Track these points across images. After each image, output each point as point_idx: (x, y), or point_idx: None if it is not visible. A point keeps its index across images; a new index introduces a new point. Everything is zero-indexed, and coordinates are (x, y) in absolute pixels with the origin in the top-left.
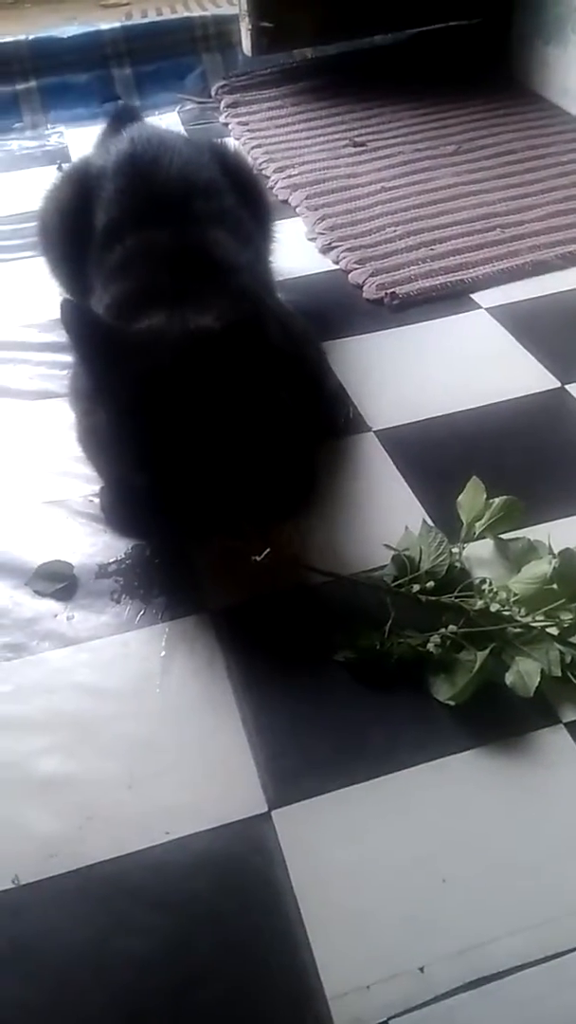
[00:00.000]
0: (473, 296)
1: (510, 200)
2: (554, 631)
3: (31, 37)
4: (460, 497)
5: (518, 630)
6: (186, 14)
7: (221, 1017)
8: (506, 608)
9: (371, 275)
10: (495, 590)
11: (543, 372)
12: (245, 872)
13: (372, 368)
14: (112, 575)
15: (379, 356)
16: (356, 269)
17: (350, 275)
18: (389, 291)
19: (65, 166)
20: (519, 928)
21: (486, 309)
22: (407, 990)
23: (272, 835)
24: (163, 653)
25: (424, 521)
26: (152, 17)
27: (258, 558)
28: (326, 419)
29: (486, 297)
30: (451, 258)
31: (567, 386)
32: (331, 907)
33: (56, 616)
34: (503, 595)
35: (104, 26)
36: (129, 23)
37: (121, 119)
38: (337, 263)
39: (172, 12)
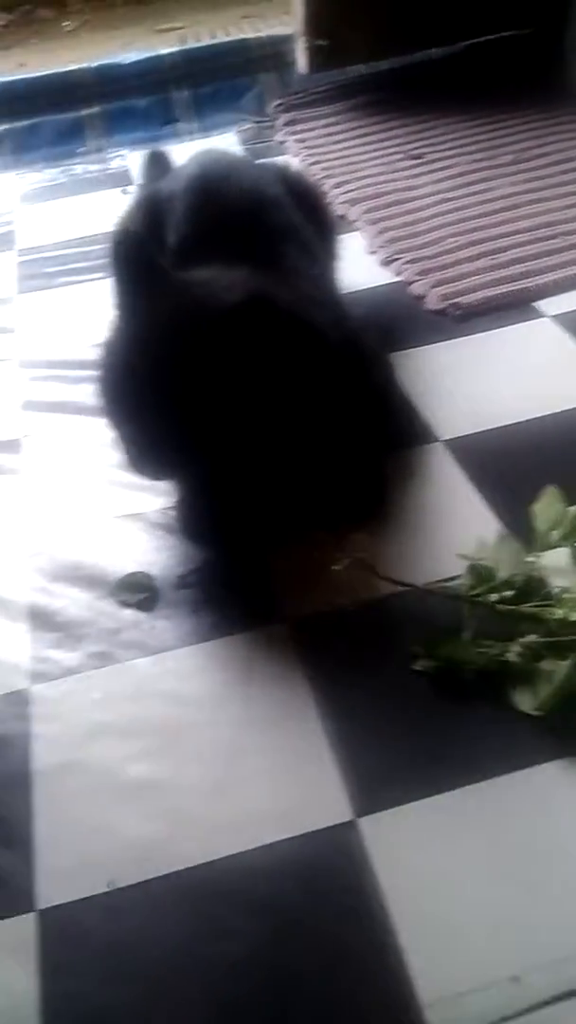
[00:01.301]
0: (537, 304)
1: (570, 208)
2: None
3: (95, 64)
4: (535, 505)
5: None
6: (242, 36)
7: (315, 1022)
8: None
9: (433, 286)
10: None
11: None
12: (334, 879)
13: (438, 378)
14: (191, 586)
15: (444, 366)
16: (418, 280)
17: (412, 286)
18: (452, 301)
19: (130, 189)
20: None
21: (550, 317)
22: (502, 999)
23: (359, 843)
24: (244, 662)
25: (499, 530)
26: (206, 40)
27: (338, 568)
28: (395, 429)
29: (550, 305)
30: (513, 267)
31: None
32: (421, 914)
33: (139, 626)
34: None
35: (164, 51)
36: (188, 47)
37: (156, 163)
38: (398, 275)
39: (226, 34)
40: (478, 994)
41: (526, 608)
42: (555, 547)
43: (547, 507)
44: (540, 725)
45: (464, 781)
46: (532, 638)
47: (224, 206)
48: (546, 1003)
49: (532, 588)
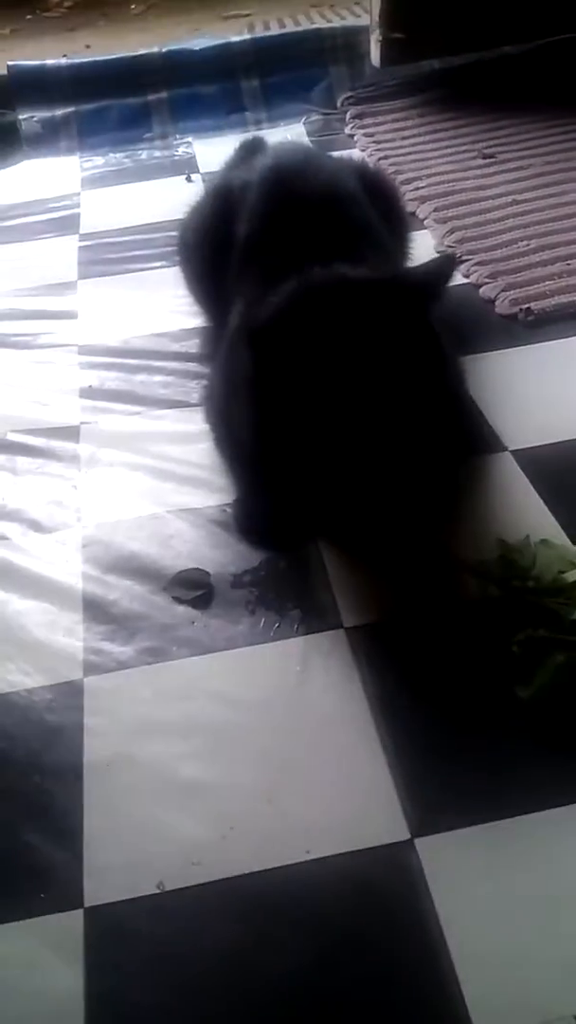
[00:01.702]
0: None
1: None
2: None
3: (164, 49)
4: None
5: None
6: (315, 26)
7: None
8: None
9: (503, 290)
10: None
11: None
12: (388, 900)
13: (506, 385)
14: (247, 585)
15: (513, 373)
16: (487, 283)
17: (481, 289)
18: (523, 306)
19: (194, 177)
20: None
21: None
22: None
23: (416, 864)
24: (298, 668)
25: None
26: (274, 27)
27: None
28: (465, 436)
29: None
30: None
31: None
32: (480, 943)
33: (193, 623)
34: None
35: (235, 38)
36: (258, 35)
37: (251, 150)
38: (467, 277)
39: (294, 23)
40: None
41: (548, 602)
42: None
43: None
44: None
45: (530, 808)
46: (542, 631)
47: (299, 199)
48: None
49: (562, 589)
